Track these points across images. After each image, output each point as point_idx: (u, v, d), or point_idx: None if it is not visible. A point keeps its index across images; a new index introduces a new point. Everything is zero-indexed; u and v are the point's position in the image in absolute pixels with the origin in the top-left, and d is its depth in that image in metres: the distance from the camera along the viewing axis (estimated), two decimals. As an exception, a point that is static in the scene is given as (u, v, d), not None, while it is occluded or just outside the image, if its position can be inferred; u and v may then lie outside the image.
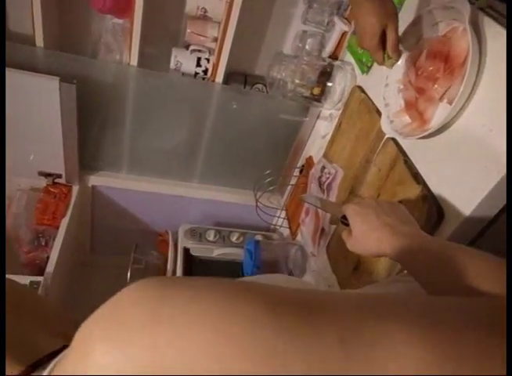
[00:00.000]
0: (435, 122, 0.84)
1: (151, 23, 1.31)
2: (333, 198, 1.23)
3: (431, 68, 0.84)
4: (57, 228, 1.36)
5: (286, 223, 1.60)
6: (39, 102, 1.23)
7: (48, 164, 1.41)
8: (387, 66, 0.93)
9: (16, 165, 1.37)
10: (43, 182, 1.44)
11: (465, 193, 0.77)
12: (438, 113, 0.85)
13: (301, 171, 1.53)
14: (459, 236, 0.80)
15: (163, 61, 1.39)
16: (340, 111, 1.28)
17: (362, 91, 1.17)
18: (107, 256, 1.77)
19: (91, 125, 1.42)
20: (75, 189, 1.48)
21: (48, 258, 1.29)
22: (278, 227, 1.64)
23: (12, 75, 1.16)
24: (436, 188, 0.85)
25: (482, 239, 0.81)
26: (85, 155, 1.48)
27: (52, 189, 1.43)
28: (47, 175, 1.43)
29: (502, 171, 0.71)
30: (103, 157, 1.51)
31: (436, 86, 0.83)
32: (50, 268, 1.23)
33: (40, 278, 1.18)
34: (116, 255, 1.72)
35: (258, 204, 1.51)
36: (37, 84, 1.20)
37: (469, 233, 0.80)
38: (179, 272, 1.40)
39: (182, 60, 1.36)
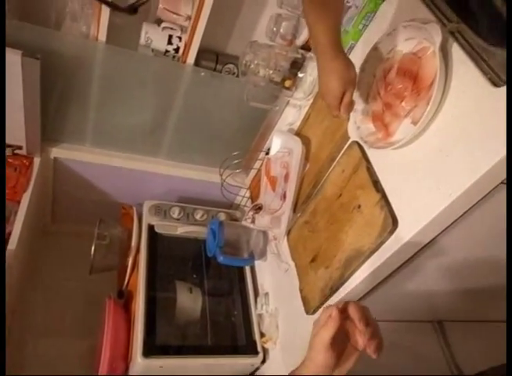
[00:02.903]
0: (398, 137, 0.89)
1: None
2: (292, 185, 1.27)
3: (400, 86, 0.88)
4: (18, 202, 1.34)
5: (249, 203, 1.64)
6: (-1, 74, 1.17)
7: (7, 135, 1.36)
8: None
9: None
10: (1, 153, 1.39)
11: (419, 209, 0.84)
12: (402, 129, 0.90)
13: (266, 154, 1.57)
14: (410, 248, 0.88)
15: (132, 34, 1.34)
16: (310, 103, 1.30)
17: (333, 88, 1.19)
18: (69, 225, 1.76)
19: (54, 97, 1.36)
20: (36, 161, 1.44)
21: (9, 233, 1.28)
22: (241, 206, 1.68)
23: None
24: (394, 199, 0.91)
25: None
26: (48, 127, 1.43)
27: (11, 161, 1.39)
28: (6, 146, 1.38)
29: (454, 195, 0.77)
30: (67, 130, 1.47)
31: (403, 104, 0.88)
32: (12, 245, 1.22)
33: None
34: (78, 224, 1.72)
35: (224, 183, 1.55)
36: (-3, 56, 1.13)
37: (418, 245, 0.88)
38: (144, 249, 1.43)
39: (153, 37, 1.32)
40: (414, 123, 0.85)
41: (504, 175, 0.76)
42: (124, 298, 1.48)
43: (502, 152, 0.69)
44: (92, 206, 1.69)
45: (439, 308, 1.25)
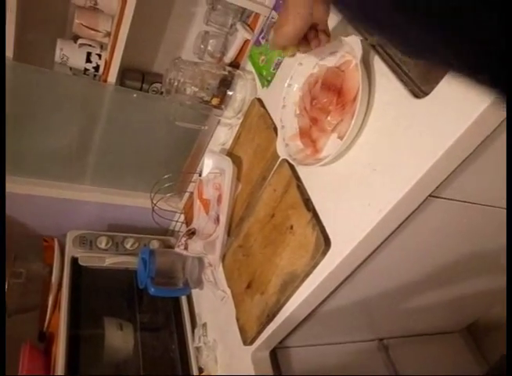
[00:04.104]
0: (326, 153, 0.86)
1: (30, 6, 1.15)
2: (225, 207, 1.21)
3: (325, 100, 0.85)
4: None
5: (184, 227, 1.56)
6: None
7: None
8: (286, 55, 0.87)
9: None
10: None
11: (350, 226, 0.80)
12: (329, 145, 0.87)
13: (200, 176, 1.50)
14: (344, 268, 0.83)
15: (46, 52, 1.24)
16: (240, 122, 1.26)
17: (262, 105, 1.16)
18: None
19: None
20: None
21: None
22: (176, 231, 1.59)
23: None
24: (325, 217, 0.87)
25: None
26: (-50, 154, 1.28)
27: None
28: None
29: (384, 210, 0.74)
30: (-27, 157, 1.32)
31: (328, 118, 0.85)
32: None
33: None
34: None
35: (155, 208, 1.45)
36: None
37: (353, 265, 0.84)
38: (66, 284, 1.30)
39: (69, 54, 1.22)
40: (340, 138, 0.82)
41: (432, 189, 0.74)
42: (46, 342, 1.33)
43: (427, 165, 0.67)
44: (10, 240, 1.52)
45: (380, 326, 1.22)
